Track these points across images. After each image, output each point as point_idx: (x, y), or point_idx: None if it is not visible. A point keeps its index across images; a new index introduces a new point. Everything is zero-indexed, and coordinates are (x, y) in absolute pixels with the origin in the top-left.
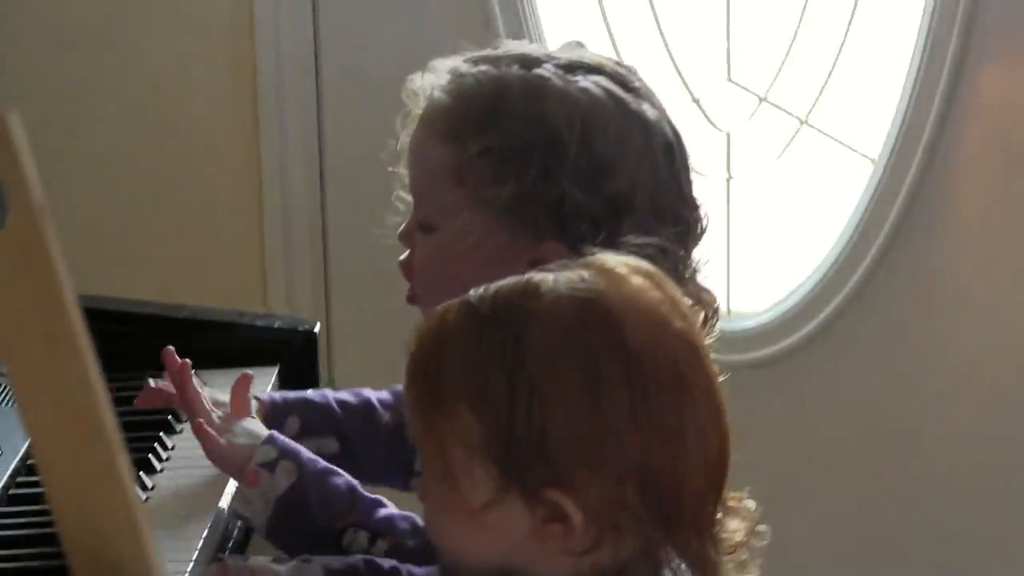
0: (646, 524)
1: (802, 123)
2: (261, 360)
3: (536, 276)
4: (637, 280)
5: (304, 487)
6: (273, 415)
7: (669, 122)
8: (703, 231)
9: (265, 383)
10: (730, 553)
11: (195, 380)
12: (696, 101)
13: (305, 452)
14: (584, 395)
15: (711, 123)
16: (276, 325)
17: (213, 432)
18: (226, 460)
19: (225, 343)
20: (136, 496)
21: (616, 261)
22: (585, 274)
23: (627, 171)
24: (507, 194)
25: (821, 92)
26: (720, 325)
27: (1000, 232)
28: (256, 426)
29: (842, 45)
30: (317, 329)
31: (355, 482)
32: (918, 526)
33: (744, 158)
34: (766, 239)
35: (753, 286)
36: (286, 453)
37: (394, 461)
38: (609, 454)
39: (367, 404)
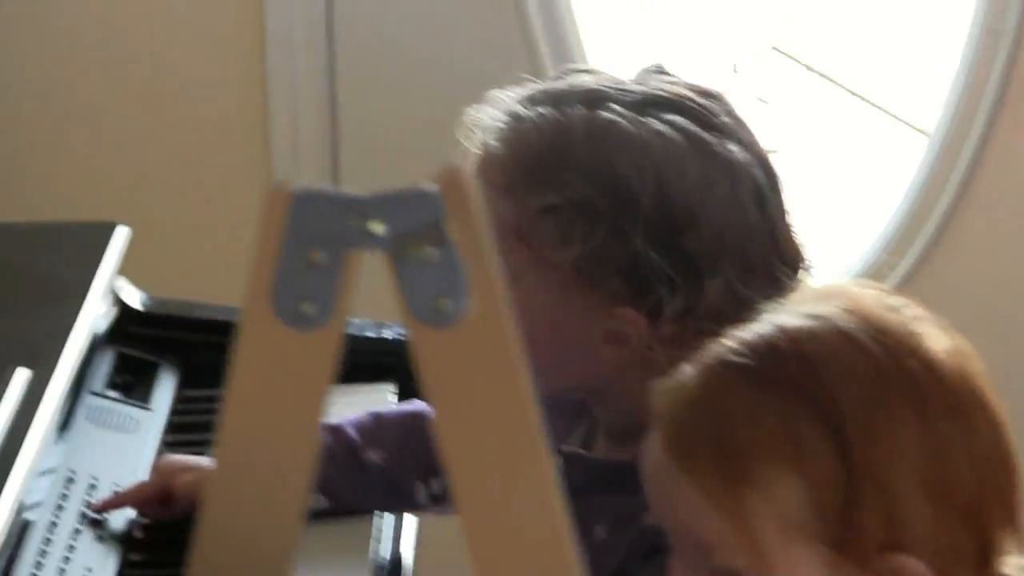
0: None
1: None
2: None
3: (785, 320)
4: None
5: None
6: None
7: (762, 160)
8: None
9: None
10: None
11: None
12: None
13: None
14: (919, 430)
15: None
16: (390, 337)
17: None
18: None
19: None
20: None
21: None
22: (835, 305)
23: (710, 225)
24: (573, 256)
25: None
26: None
27: None
28: None
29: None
30: None
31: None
32: None
33: (788, 131)
34: (814, 217)
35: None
36: None
37: (388, 497)
38: (952, 493)
39: (351, 449)
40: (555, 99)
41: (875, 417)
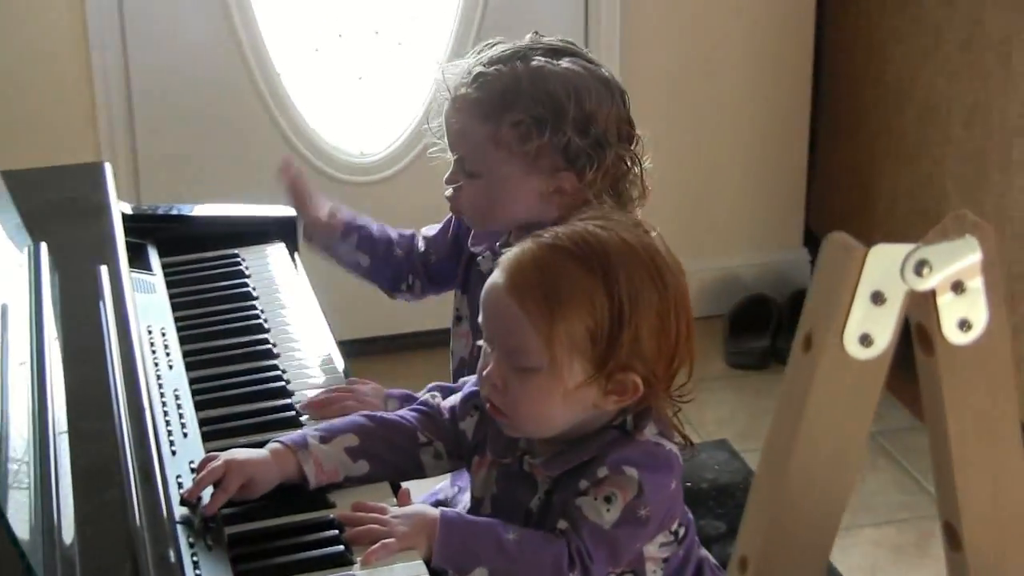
0: (660, 381)
1: None
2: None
3: (591, 226)
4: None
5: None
6: (345, 231)
7: (612, 74)
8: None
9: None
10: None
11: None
12: None
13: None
14: (657, 302)
15: None
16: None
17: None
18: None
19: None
20: None
21: (629, 218)
22: (619, 222)
23: (603, 118)
24: (533, 148)
25: None
26: None
27: None
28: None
29: None
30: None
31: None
32: None
33: None
34: None
35: None
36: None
37: (392, 278)
38: (666, 340)
39: (390, 241)
40: (497, 59)
41: (635, 289)
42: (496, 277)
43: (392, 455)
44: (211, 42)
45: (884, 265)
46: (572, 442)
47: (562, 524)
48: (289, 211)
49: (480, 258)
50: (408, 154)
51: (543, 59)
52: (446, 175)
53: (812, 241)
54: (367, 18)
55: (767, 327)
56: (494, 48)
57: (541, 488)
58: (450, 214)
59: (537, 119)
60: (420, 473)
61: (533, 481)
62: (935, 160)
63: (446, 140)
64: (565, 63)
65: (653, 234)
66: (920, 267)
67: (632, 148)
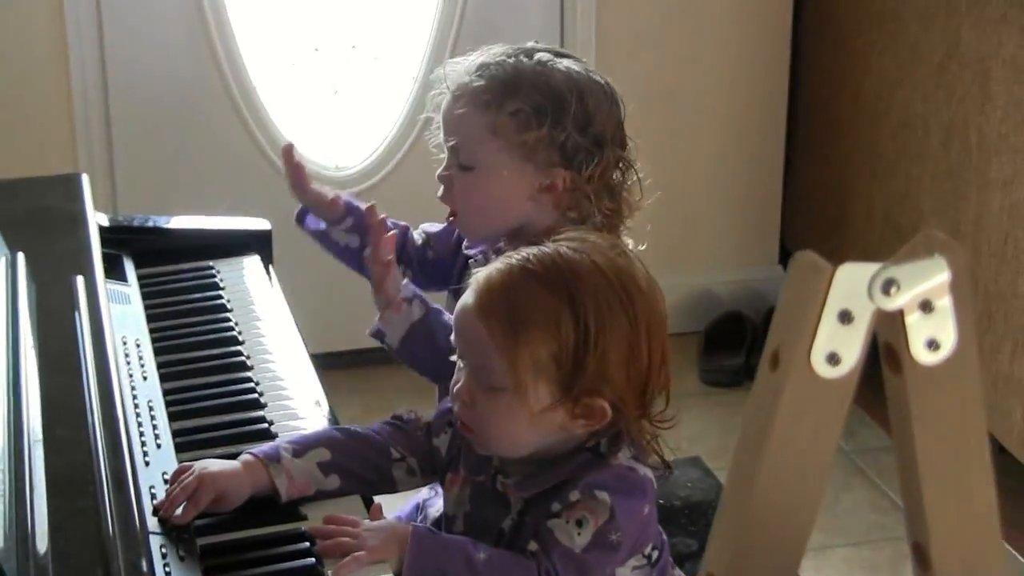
0: (631, 407)
1: None
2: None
3: (563, 248)
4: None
5: (429, 318)
6: (345, 212)
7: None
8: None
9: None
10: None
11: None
12: None
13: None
14: (626, 328)
15: None
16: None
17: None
18: (386, 292)
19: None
20: None
21: (606, 239)
22: (595, 244)
23: (602, 119)
24: (531, 139)
25: None
26: None
27: None
28: (397, 280)
29: None
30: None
31: None
32: None
33: None
34: None
35: None
36: (418, 295)
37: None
38: (636, 367)
39: (404, 230)
40: (502, 54)
41: (603, 314)
42: (467, 297)
43: (364, 470)
44: (188, 55)
45: (852, 284)
46: (545, 463)
47: (533, 546)
48: (264, 224)
49: (472, 261)
50: (383, 168)
51: (547, 56)
52: (439, 171)
53: (787, 258)
54: (344, 32)
55: (742, 344)
56: (496, 47)
57: (514, 508)
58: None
59: (537, 109)
60: (392, 488)
61: (506, 501)
62: (911, 178)
63: (442, 137)
64: (567, 63)
65: (631, 256)
66: (888, 286)
67: (626, 154)
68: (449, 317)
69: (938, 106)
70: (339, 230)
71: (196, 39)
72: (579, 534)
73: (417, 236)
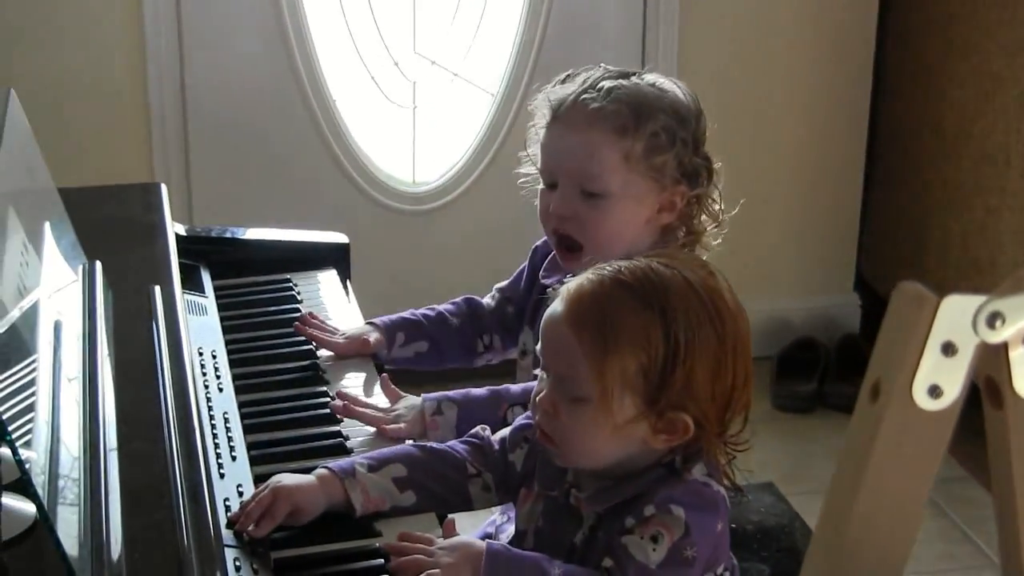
0: (713, 424)
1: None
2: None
3: (655, 263)
4: (708, 269)
5: (469, 408)
6: (386, 334)
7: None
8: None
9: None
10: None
11: (353, 396)
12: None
13: (450, 391)
14: (714, 345)
15: None
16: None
17: (392, 426)
18: (412, 433)
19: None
20: None
21: (695, 258)
22: (684, 261)
23: (703, 139)
24: (660, 162)
25: None
26: None
27: None
28: (408, 399)
29: None
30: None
31: (482, 389)
32: None
33: None
34: None
35: None
36: (440, 398)
37: (462, 349)
38: (721, 384)
39: (441, 315)
40: (611, 76)
41: (692, 329)
42: (556, 306)
43: (440, 486)
44: (268, 67)
45: (956, 316)
46: (619, 478)
47: (607, 562)
48: (342, 238)
49: (550, 290)
50: (460, 185)
51: (652, 76)
52: (552, 204)
53: (863, 286)
54: (424, 48)
55: (815, 371)
56: (595, 70)
57: (586, 523)
58: (525, 263)
59: (669, 131)
60: (467, 506)
61: (578, 515)
62: (989, 210)
63: (540, 165)
64: (669, 82)
65: (718, 276)
66: (993, 319)
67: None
68: (477, 391)
69: (1019, 139)
70: (399, 351)
71: (275, 51)
72: (654, 550)
73: (490, 300)
